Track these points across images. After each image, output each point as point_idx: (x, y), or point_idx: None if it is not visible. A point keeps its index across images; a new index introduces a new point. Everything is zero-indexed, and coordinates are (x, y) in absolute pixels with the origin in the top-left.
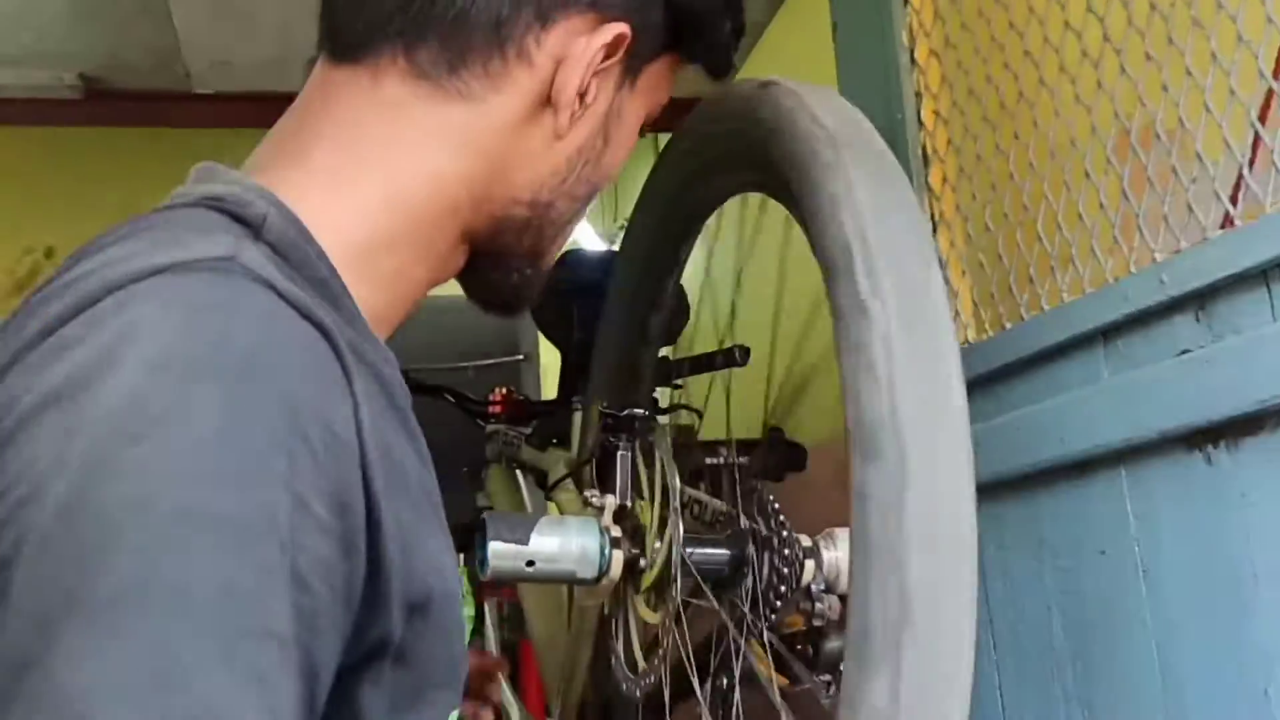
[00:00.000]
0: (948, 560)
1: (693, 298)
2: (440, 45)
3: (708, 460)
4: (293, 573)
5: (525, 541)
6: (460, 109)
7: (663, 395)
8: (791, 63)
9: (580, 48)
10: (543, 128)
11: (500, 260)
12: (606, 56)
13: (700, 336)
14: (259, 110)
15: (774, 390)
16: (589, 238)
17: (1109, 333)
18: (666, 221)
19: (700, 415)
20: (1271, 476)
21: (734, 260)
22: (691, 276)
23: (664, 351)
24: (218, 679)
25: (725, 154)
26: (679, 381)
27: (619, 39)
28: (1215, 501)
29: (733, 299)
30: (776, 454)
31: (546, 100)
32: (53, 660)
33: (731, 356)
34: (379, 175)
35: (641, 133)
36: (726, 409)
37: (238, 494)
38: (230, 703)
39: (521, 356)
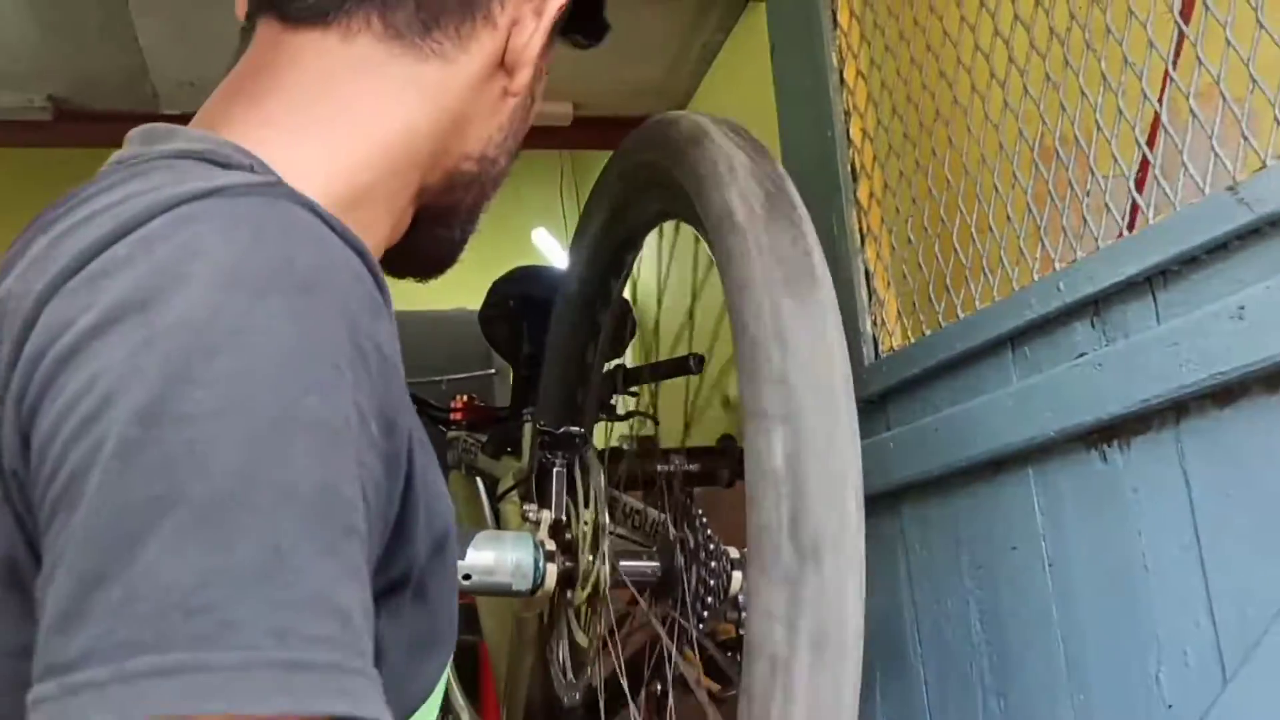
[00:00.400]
0: None
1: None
2: (416, 8)
3: (659, 467)
4: (360, 480)
5: (461, 556)
6: (433, 67)
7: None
8: (742, 82)
9: (530, 11)
10: (495, 86)
11: (445, 217)
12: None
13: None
14: None
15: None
16: (556, 251)
17: (1016, 338)
18: (604, 242)
19: (656, 421)
20: (1159, 473)
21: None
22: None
23: (621, 359)
24: (326, 570)
25: (649, 182)
26: (634, 389)
27: (565, 3)
28: (1110, 497)
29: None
30: (728, 461)
31: (500, 60)
32: (146, 561)
33: (685, 365)
34: (354, 129)
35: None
36: (655, 415)
37: (321, 400)
38: (339, 592)
39: (494, 371)
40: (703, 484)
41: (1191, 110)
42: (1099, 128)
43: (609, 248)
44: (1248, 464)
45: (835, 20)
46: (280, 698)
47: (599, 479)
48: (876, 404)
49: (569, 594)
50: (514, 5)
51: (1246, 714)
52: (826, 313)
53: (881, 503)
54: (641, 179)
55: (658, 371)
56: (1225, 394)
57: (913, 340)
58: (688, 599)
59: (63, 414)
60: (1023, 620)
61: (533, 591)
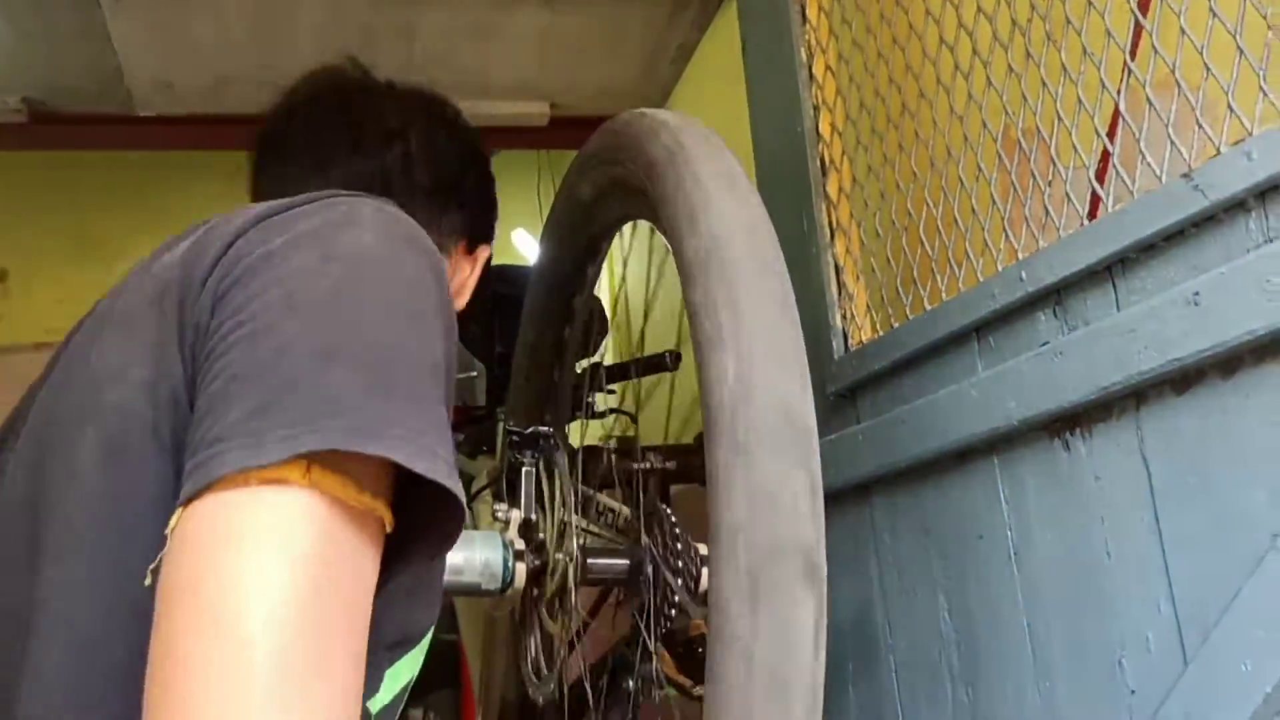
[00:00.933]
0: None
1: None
2: None
3: (636, 466)
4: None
5: None
6: None
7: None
8: (717, 81)
9: (467, 262)
10: None
11: None
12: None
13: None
14: (201, 133)
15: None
16: (536, 251)
17: (981, 329)
18: (568, 244)
19: (634, 419)
20: (1120, 461)
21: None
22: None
23: (598, 357)
24: (443, 412)
25: (611, 181)
26: (612, 388)
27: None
28: (1073, 485)
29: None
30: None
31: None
32: (330, 379)
33: (663, 362)
34: None
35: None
36: (634, 414)
37: (437, 312)
38: (447, 427)
39: (475, 374)
40: (680, 481)
41: (1149, 100)
42: (1060, 119)
43: (577, 246)
44: (1205, 449)
45: (804, 16)
46: (422, 464)
47: (567, 478)
48: (846, 397)
49: (538, 593)
50: (459, 254)
51: (1205, 695)
52: (786, 302)
53: (851, 495)
54: (604, 180)
55: (635, 369)
56: (1183, 380)
57: (881, 334)
58: (655, 597)
59: (261, 289)
60: (989, 609)
61: (503, 590)
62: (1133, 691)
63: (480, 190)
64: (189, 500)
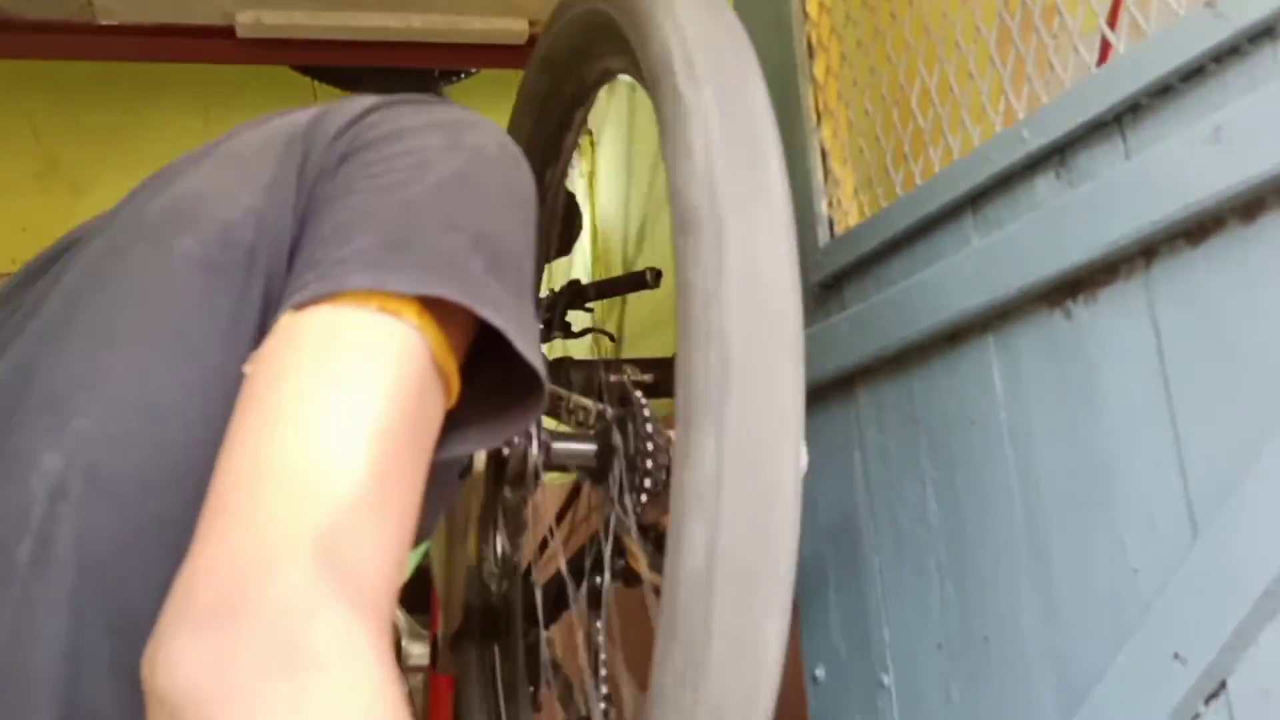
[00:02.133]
0: (768, 318)
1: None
2: None
3: (612, 378)
4: None
5: None
6: None
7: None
8: None
9: None
10: None
11: None
12: None
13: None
14: (164, 44)
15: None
16: None
17: (976, 199)
18: (541, 120)
19: (612, 337)
20: (1126, 324)
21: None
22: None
23: (577, 275)
24: (532, 309)
25: (583, 38)
26: (590, 306)
27: None
28: (1075, 357)
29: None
30: None
31: None
32: (450, 242)
33: (642, 279)
34: None
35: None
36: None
37: (533, 229)
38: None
39: None
40: (657, 395)
41: None
42: None
43: (552, 111)
44: (1221, 305)
45: None
46: (522, 345)
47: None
48: (831, 287)
49: (502, 481)
50: None
51: (1215, 569)
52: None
53: (834, 389)
54: (583, 33)
55: (614, 287)
56: (1199, 229)
57: (870, 215)
58: (624, 482)
59: (394, 154)
60: (980, 498)
61: (462, 476)
62: (1136, 570)
63: None
64: (303, 305)
